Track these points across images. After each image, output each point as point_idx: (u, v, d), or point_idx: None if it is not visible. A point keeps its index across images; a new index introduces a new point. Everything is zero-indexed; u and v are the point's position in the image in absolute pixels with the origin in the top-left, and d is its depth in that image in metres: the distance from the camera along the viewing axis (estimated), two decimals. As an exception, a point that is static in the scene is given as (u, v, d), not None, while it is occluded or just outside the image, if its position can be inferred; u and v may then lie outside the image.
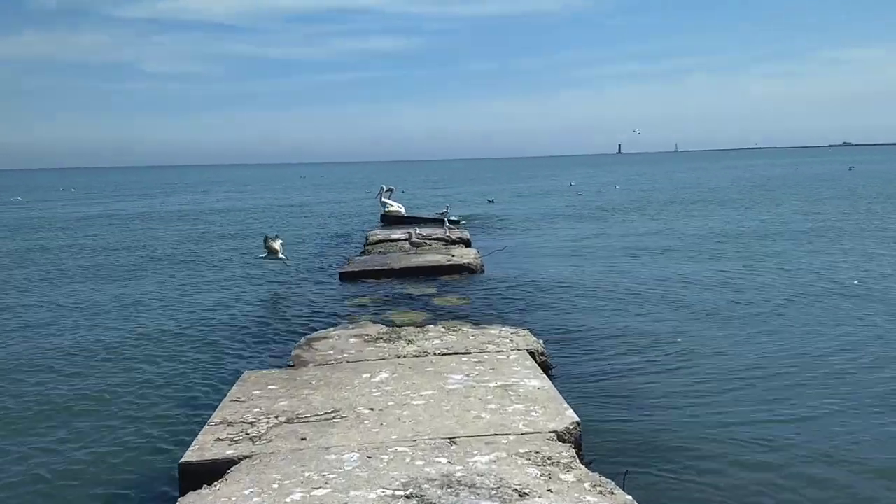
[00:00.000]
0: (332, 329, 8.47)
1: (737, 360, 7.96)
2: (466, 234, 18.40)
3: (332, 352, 7.34)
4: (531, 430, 4.87)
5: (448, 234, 17.61)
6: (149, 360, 8.80)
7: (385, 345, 7.49)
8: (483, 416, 5.19)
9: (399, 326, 8.71)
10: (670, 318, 10.01)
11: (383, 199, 25.39)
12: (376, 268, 13.91)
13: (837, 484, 5.02)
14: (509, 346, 7.24)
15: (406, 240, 16.92)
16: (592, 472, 4.26)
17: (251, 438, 4.98)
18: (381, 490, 4.03)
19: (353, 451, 4.63)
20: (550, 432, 4.84)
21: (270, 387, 6.19)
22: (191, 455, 4.77)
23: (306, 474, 4.30)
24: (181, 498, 4.25)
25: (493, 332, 7.88)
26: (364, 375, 6.36)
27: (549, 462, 4.33)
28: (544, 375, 6.20)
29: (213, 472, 4.52)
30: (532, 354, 6.96)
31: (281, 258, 13.90)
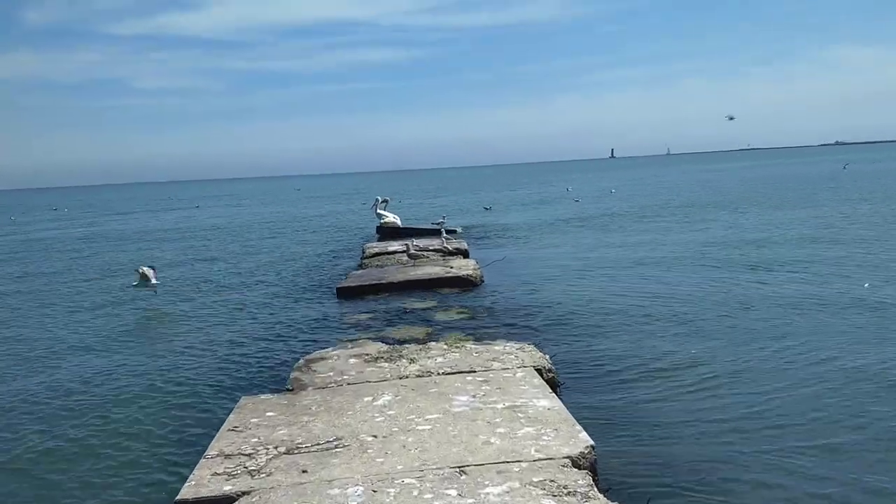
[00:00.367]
0: (331, 349, 8.23)
1: (758, 374, 7.56)
2: (464, 245, 18.19)
3: (331, 373, 7.10)
4: (544, 457, 4.64)
5: (445, 244, 17.40)
6: (143, 385, 8.52)
7: (386, 364, 7.26)
8: (492, 441, 4.96)
9: (400, 344, 8.49)
10: (681, 330, 9.64)
11: (378, 211, 25.17)
12: (374, 282, 13.69)
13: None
14: (515, 362, 7.01)
15: (404, 252, 16.72)
16: (612, 501, 4.03)
17: (250, 472, 4.74)
18: (389, 528, 3.79)
19: (357, 485, 4.39)
20: (564, 458, 4.61)
21: (269, 413, 5.95)
22: (187, 492, 4.54)
23: (309, 512, 4.07)
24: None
25: (497, 348, 7.65)
26: (366, 399, 6.13)
27: (565, 492, 4.10)
28: (553, 394, 5.97)
29: (210, 510, 4.29)
30: (539, 371, 6.73)
31: (153, 283, 14.16)
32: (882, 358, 7.86)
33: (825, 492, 4.96)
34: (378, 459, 4.78)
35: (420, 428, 5.32)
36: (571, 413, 5.44)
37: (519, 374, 6.56)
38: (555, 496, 4.06)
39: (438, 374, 6.79)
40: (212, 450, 5.22)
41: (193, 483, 4.64)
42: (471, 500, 4.07)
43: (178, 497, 4.51)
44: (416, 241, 17.48)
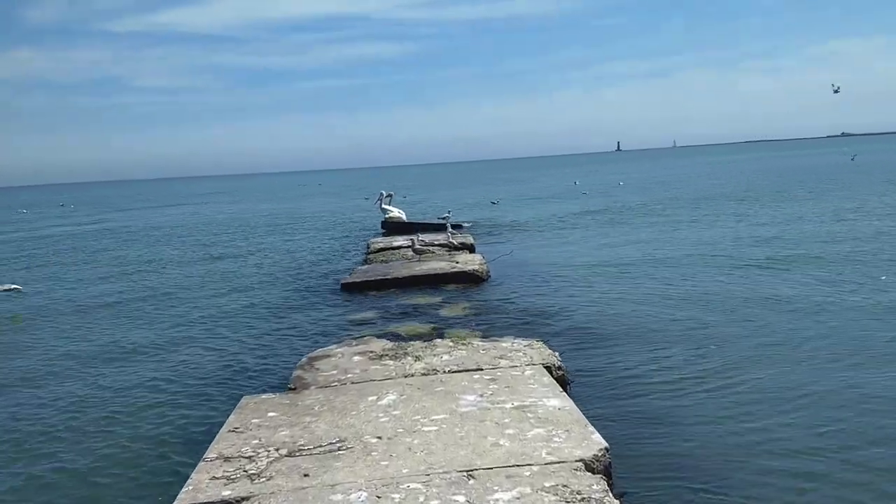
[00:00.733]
0: (334, 346, 8.05)
1: (782, 374, 7.19)
2: (470, 239, 17.99)
3: (335, 371, 6.92)
4: (556, 460, 4.44)
5: (451, 239, 17.21)
6: (141, 383, 8.36)
7: (391, 362, 7.08)
8: (501, 442, 4.77)
9: (405, 341, 8.31)
10: (700, 326, 9.28)
11: (383, 206, 24.96)
12: (379, 277, 13.51)
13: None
14: (523, 360, 6.81)
15: (409, 247, 16.54)
16: (628, 507, 3.84)
17: (249, 476, 4.56)
18: (394, 537, 3.61)
19: (360, 490, 4.21)
20: (577, 461, 4.41)
21: (270, 414, 5.78)
22: (185, 497, 4.37)
23: (310, 519, 3.89)
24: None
25: (504, 344, 7.45)
26: (370, 398, 5.94)
27: (579, 498, 3.91)
28: (564, 393, 5.78)
29: (207, 517, 4.12)
30: (548, 369, 6.53)
31: (15, 287, 14.53)
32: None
33: (856, 499, 4.73)
34: (382, 462, 4.60)
35: (426, 429, 5.14)
36: (583, 413, 5.24)
37: (528, 372, 6.36)
38: (568, 502, 3.87)
39: (444, 372, 6.61)
40: (211, 452, 5.04)
41: (191, 488, 4.47)
42: (480, 507, 3.89)
43: (175, 503, 4.35)
44: (421, 236, 17.28)
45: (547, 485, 4.09)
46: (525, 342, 7.48)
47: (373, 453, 4.76)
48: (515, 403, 5.52)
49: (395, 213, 24.69)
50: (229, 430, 5.47)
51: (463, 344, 7.58)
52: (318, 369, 7.06)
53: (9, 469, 6.20)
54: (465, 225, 23.84)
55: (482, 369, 6.58)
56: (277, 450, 4.97)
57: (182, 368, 8.86)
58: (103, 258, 22.56)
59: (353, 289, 13.19)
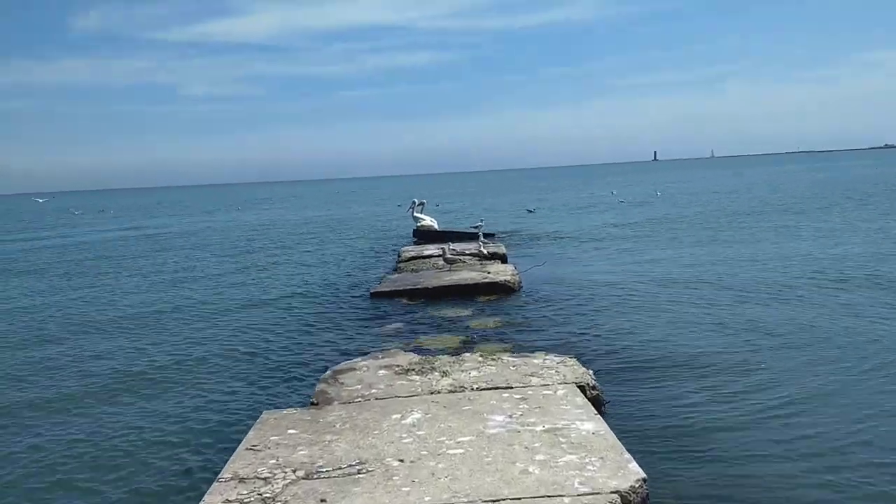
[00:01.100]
0: (359, 359, 7.80)
1: (843, 414, 6.39)
2: (502, 249, 17.67)
3: (359, 386, 6.68)
4: (589, 490, 4.12)
5: (482, 248, 16.91)
6: (161, 394, 8.21)
7: (417, 377, 6.81)
8: (531, 469, 4.46)
9: (432, 354, 8.03)
10: (752, 352, 8.47)
11: (415, 214, 24.79)
12: (409, 287, 13.29)
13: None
14: (555, 378, 6.48)
15: (440, 256, 16.30)
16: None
17: (264, 500, 4.32)
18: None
19: (379, 519, 3.94)
20: (612, 492, 4.09)
21: (290, 431, 5.55)
22: (195, 520, 4.15)
23: (323, 551, 3.63)
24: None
25: (535, 361, 7.13)
26: (394, 416, 5.68)
27: (614, 536, 3.59)
28: (598, 416, 5.44)
29: (216, 545, 3.89)
30: (582, 388, 6.20)
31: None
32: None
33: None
34: (404, 489, 4.32)
35: (451, 452, 4.85)
36: (619, 438, 4.91)
37: (560, 392, 6.04)
38: (602, 542, 3.55)
39: (472, 389, 6.32)
40: (226, 472, 4.82)
41: (202, 511, 4.26)
42: (506, 544, 3.59)
43: (185, 527, 4.13)
44: (452, 245, 17.03)
45: (579, 520, 3.78)
46: (557, 358, 7.15)
47: (394, 478, 4.49)
48: (547, 426, 5.21)
49: (427, 221, 24.49)
50: (246, 448, 5.25)
51: (492, 359, 7.28)
52: (341, 383, 6.82)
53: (4, 480, 6.08)
54: (502, 235, 23.49)
55: (512, 387, 6.27)
56: (295, 471, 4.72)
57: (201, 380, 8.68)
58: (142, 265, 22.72)
59: (383, 297, 12.99)
